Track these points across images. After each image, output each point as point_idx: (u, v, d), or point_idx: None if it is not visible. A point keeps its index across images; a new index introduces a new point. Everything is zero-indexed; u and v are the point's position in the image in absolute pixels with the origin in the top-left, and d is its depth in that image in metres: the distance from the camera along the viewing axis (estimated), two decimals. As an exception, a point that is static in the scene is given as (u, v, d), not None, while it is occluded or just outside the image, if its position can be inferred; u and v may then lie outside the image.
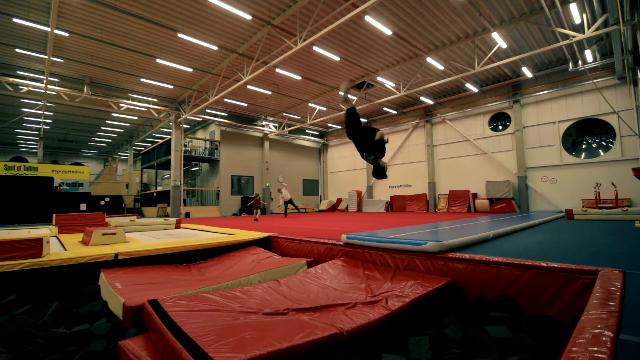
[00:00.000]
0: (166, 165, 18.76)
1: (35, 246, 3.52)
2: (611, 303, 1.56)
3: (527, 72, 12.57)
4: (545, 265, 2.61)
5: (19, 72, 12.62)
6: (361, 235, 4.10)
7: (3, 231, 7.33)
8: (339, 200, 21.94)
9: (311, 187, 23.30)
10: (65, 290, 3.47)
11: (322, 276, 3.37)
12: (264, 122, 19.89)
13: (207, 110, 17.89)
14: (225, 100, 15.70)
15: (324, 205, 22.21)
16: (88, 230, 4.87)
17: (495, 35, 9.81)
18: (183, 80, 14.07)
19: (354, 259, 3.94)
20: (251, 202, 11.87)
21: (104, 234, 4.72)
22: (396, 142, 18.83)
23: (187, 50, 11.32)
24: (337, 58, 11.44)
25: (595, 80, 11.16)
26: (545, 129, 13.37)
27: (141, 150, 25.73)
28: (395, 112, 18.21)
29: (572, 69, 11.79)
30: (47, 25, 8.69)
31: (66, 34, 9.81)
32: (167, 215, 16.13)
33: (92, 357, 2.10)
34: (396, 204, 18.47)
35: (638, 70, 10.49)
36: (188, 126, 21.42)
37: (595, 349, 1.10)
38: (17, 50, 10.66)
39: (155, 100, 16.16)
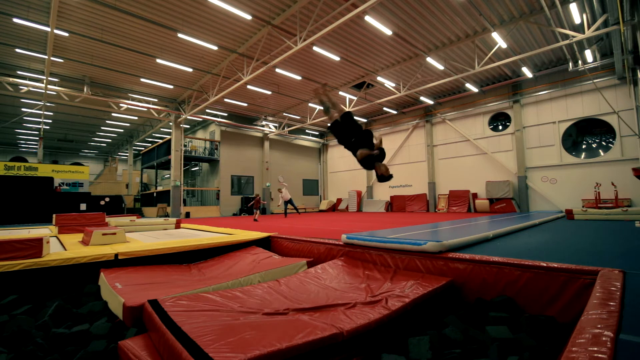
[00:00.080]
0: (166, 165, 18.75)
1: (35, 246, 3.52)
2: (611, 303, 1.56)
3: (527, 72, 12.57)
4: (545, 265, 2.61)
5: (19, 72, 12.62)
6: (361, 235, 4.10)
7: (3, 231, 7.33)
8: (339, 200, 21.94)
9: (311, 187, 23.30)
10: (65, 290, 3.47)
11: (322, 276, 3.37)
12: (264, 122, 19.89)
13: (207, 110, 17.88)
14: (225, 100, 15.70)
15: (324, 205, 22.21)
16: (88, 230, 4.88)
17: (495, 35, 9.81)
18: (183, 80, 14.07)
19: (354, 259, 3.94)
20: (252, 202, 11.87)
21: (104, 234, 4.72)
22: (396, 142, 18.84)
23: (187, 50, 11.32)
24: (337, 58, 11.44)
25: (595, 80, 11.16)
26: (545, 129, 13.38)
27: (141, 150, 25.73)
28: (395, 112, 18.21)
29: (572, 69, 11.78)
30: (47, 25, 8.69)
31: (66, 34, 9.81)
32: (167, 215, 16.13)
33: (92, 357, 2.10)
34: (396, 204, 18.47)
35: (638, 70, 10.49)
36: (188, 126, 21.42)
37: (595, 349, 1.10)
38: (17, 50, 10.66)
39: (155, 100, 16.16)
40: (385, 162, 3.52)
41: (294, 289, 2.93)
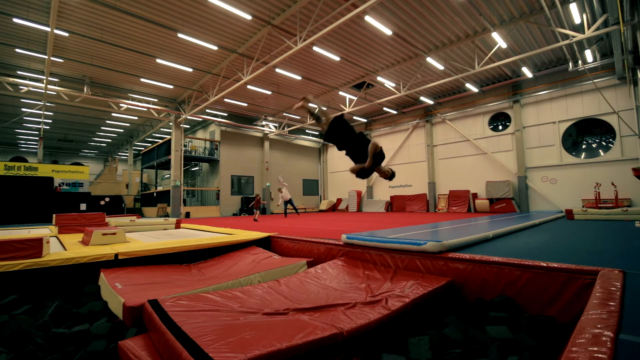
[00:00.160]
0: (166, 165, 18.75)
1: (35, 246, 3.52)
2: (611, 303, 1.56)
3: (527, 72, 12.57)
4: (545, 265, 2.61)
5: (19, 72, 12.62)
6: (361, 235, 4.10)
7: (3, 231, 7.33)
8: (339, 200, 21.94)
9: (311, 187, 23.30)
10: (65, 290, 3.47)
11: (322, 276, 3.37)
12: (264, 122, 19.89)
13: (207, 110, 17.89)
14: (225, 100, 15.70)
15: (324, 205, 22.21)
16: (88, 230, 4.88)
17: (495, 35, 9.81)
18: (183, 80, 14.07)
19: (354, 259, 3.94)
20: (253, 202, 11.87)
21: (104, 234, 4.72)
22: (396, 142, 18.85)
23: (187, 50, 11.32)
24: (337, 58, 11.44)
25: (595, 80, 11.16)
26: (545, 129, 13.38)
27: (141, 150, 25.73)
28: (395, 112, 18.21)
29: (572, 69, 11.79)
30: (47, 25, 8.69)
31: (66, 34, 9.81)
32: (167, 215, 16.13)
33: (92, 357, 2.10)
34: (396, 204, 18.47)
35: (638, 70, 10.49)
36: (188, 126, 21.42)
37: (595, 349, 1.10)
38: (17, 50, 10.66)
39: (155, 100, 16.16)
40: (385, 162, 3.50)
41: (294, 289, 2.93)
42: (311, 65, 12.60)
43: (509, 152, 14.39)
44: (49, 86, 11.81)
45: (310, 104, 3.79)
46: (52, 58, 10.43)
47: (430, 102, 16.09)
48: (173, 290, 2.84)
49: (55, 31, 9.07)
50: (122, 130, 24.08)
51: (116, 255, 3.84)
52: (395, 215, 13.81)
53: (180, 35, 9.72)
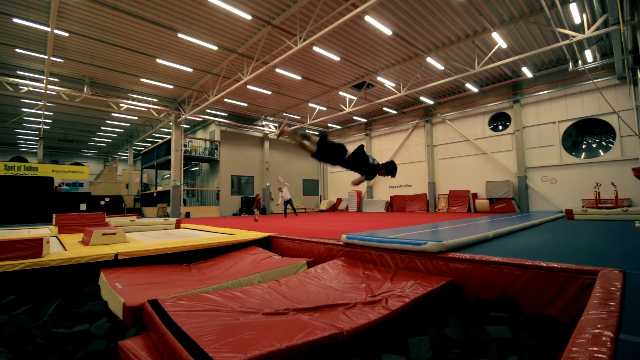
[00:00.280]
0: (166, 165, 18.76)
1: (35, 246, 3.52)
2: (611, 303, 1.56)
3: (527, 72, 12.57)
4: (545, 265, 2.61)
5: (19, 72, 12.62)
6: (361, 235, 4.10)
7: (3, 231, 7.33)
8: (339, 200, 21.94)
9: (311, 187, 23.30)
10: (65, 290, 3.47)
11: (322, 276, 3.37)
12: (264, 122, 19.89)
13: (207, 110, 17.88)
14: (225, 100, 15.70)
15: (324, 205, 22.21)
16: (88, 230, 4.87)
17: (495, 35, 9.81)
18: (183, 80, 14.07)
19: (354, 259, 3.94)
20: (253, 202, 11.87)
21: (104, 234, 4.72)
22: (396, 142, 18.85)
23: (187, 50, 11.32)
24: (337, 58, 11.44)
25: (595, 80, 11.16)
26: (545, 129, 13.37)
27: (141, 150, 25.73)
28: (395, 112, 18.21)
29: (572, 69, 11.78)
30: (47, 25, 8.69)
31: (66, 34, 9.81)
32: (167, 215, 16.13)
33: (92, 357, 2.10)
34: (396, 204, 18.47)
35: (638, 70, 10.49)
36: (188, 126, 21.42)
37: (595, 349, 1.10)
38: (17, 50, 10.66)
39: (155, 100, 16.16)
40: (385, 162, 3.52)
41: (294, 289, 2.93)
42: (311, 65, 12.60)
43: (509, 152, 14.39)
44: (49, 86, 11.81)
45: (290, 129, 3.88)
46: (52, 58, 10.43)
47: (430, 102, 16.09)
48: (173, 290, 2.84)
49: (55, 31, 9.07)
50: (122, 130, 24.08)
51: (116, 255, 3.84)
52: (395, 215, 13.81)
53: (180, 35, 9.72)
